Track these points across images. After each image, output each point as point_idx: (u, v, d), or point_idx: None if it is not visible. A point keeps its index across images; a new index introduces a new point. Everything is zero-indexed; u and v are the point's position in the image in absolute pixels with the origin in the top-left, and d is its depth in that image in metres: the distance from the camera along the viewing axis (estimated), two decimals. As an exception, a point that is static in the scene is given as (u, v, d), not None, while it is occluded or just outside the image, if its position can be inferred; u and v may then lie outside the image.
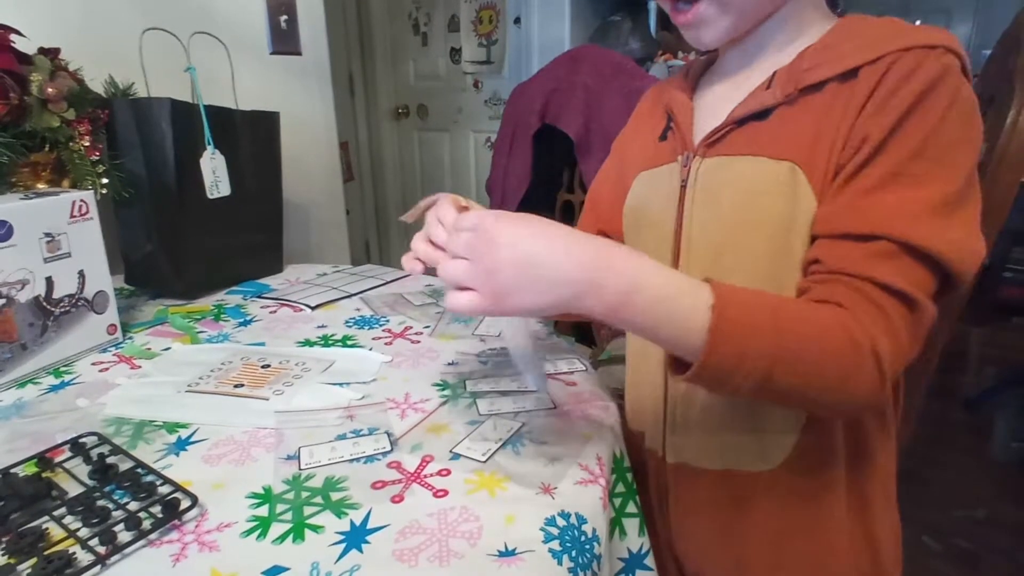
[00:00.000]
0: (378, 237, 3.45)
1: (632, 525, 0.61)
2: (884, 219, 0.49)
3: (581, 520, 0.53)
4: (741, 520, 0.64)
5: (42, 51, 0.96)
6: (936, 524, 1.64)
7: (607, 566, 0.54)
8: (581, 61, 1.67)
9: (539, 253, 0.46)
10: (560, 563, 0.48)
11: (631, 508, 0.61)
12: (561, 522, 0.52)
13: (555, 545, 0.50)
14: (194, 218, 1.05)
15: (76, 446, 0.61)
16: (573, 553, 0.50)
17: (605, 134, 1.61)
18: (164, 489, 0.55)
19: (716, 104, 0.62)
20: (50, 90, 0.92)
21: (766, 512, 0.63)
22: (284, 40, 1.52)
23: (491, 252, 0.46)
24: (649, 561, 0.59)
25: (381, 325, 0.94)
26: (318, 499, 0.54)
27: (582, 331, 1.80)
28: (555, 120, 1.68)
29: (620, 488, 0.62)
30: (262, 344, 0.87)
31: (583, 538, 0.51)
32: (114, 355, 0.84)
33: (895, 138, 0.50)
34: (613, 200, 0.75)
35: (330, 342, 0.88)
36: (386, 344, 0.87)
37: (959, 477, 1.87)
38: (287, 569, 0.47)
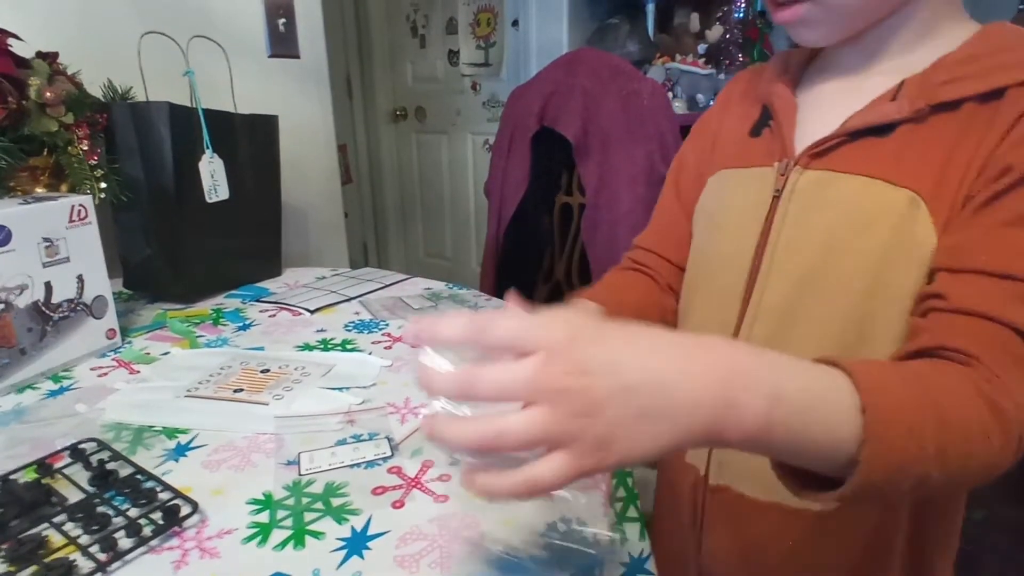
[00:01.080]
0: (376, 239, 3.44)
1: (633, 530, 0.61)
2: None
3: (582, 525, 0.53)
4: (781, 553, 0.59)
5: (40, 55, 0.96)
6: (934, 525, 1.64)
7: (609, 572, 0.54)
8: (579, 64, 1.67)
9: (652, 376, 0.32)
10: (562, 568, 0.48)
11: (632, 513, 0.61)
12: (562, 527, 0.52)
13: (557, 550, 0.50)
14: (193, 222, 1.05)
15: (76, 452, 0.61)
16: (575, 558, 0.50)
17: (603, 136, 1.62)
18: (164, 495, 0.55)
19: (824, 104, 0.55)
20: (48, 94, 0.92)
21: (813, 550, 0.57)
22: (282, 43, 1.52)
23: (582, 385, 0.31)
24: (650, 565, 0.59)
25: (380, 329, 0.94)
26: (319, 505, 0.54)
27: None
28: (553, 123, 1.68)
29: (620, 493, 0.62)
30: (261, 348, 0.87)
31: (584, 543, 0.51)
32: (113, 360, 0.84)
33: None
34: (693, 191, 0.67)
35: (329, 346, 0.88)
36: (386, 348, 0.87)
37: (957, 478, 1.87)
38: (288, 576, 0.47)
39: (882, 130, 0.49)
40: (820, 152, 0.52)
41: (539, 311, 0.36)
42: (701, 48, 2.27)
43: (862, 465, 0.35)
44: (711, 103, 0.76)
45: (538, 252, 1.95)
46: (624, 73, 1.63)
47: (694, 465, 0.63)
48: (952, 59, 0.49)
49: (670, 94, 2.12)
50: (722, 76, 2.21)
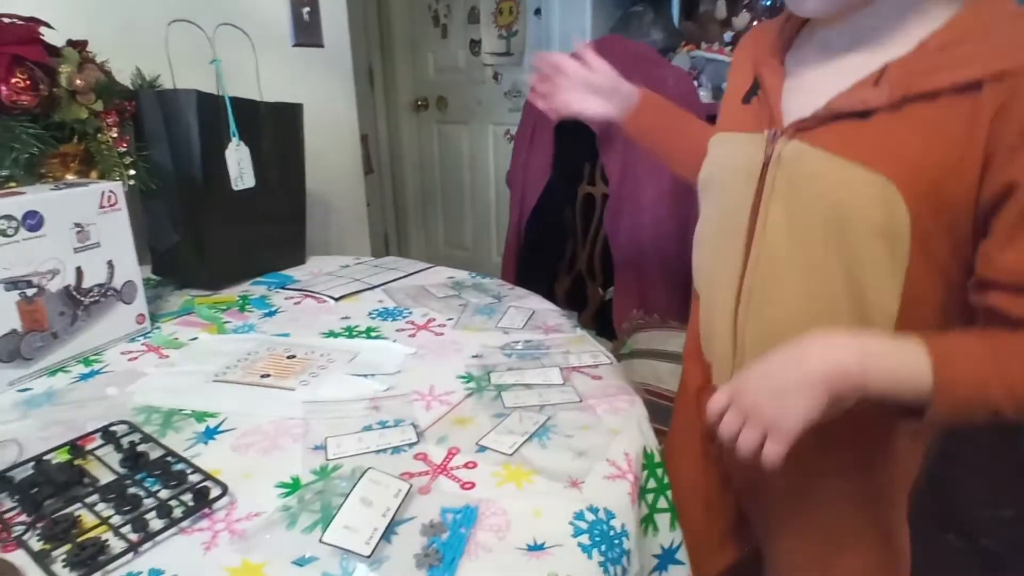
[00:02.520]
0: (397, 230, 3.45)
1: (664, 520, 0.60)
2: None
3: (610, 515, 0.52)
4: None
5: (70, 43, 0.97)
6: (961, 523, 1.61)
7: (637, 562, 0.53)
8: (603, 51, 1.65)
9: (774, 381, 0.53)
10: (590, 557, 0.48)
11: (662, 504, 0.61)
12: (590, 516, 0.51)
13: (584, 539, 0.49)
14: (219, 210, 1.06)
15: (107, 434, 0.62)
16: (603, 548, 0.49)
17: (628, 126, 1.60)
18: (194, 477, 0.55)
19: (808, 79, 0.59)
20: (78, 82, 0.93)
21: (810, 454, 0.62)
22: (307, 32, 1.52)
23: (752, 408, 0.53)
24: (680, 555, 0.59)
25: (404, 317, 0.94)
26: (346, 489, 0.54)
27: (603, 325, 1.80)
28: (577, 112, 1.67)
29: (652, 484, 0.61)
30: (287, 335, 0.88)
31: (612, 533, 0.51)
32: (143, 345, 0.85)
33: None
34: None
35: (354, 333, 0.88)
36: (410, 336, 0.87)
37: (985, 476, 1.84)
38: (316, 559, 0.47)
39: (863, 114, 0.53)
40: (805, 127, 0.57)
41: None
42: (727, 36, 2.23)
43: (932, 409, 0.50)
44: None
45: (560, 243, 1.94)
46: (649, 60, 1.60)
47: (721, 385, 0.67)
48: (932, 46, 0.51)
49: (695, 83, 2.09)
50: (748, 65, 2.16)
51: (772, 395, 0.53)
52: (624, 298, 1.66)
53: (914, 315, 0.56)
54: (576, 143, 1.74)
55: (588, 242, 1.85)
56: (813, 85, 0.58)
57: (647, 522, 0.58)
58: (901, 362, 0.51)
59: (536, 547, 0.48)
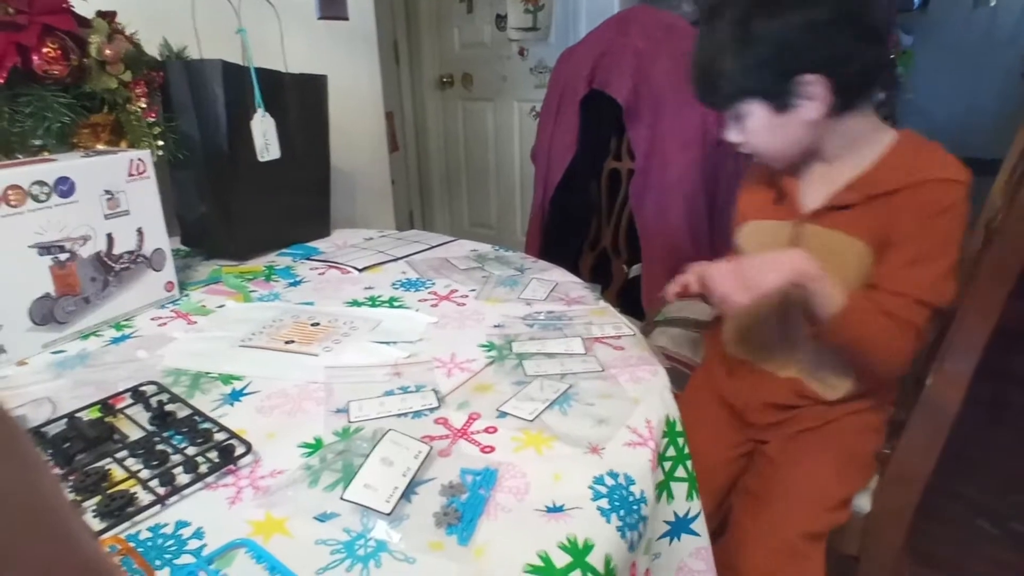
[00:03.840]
0: (422, 207, 3.46)
1: (680, 489, 0.60)
2: (916, 287, 0.77)
3: (629, 481, 0.52)
4: (777, 388, 0.92)
5: (100, 14, 0.97)
6: (992, 507, 1.58)
7: (651, 527, 0.53)
8: (631, 23, 1.62)
9: (763, 262, 0.77)
10: (608, 521, 0.48)
11: (680, 473, 0.60)
12: (610, 481, 0.51)
13: (603, 503, 0.49)
14: (245, 180, 1.07)
15: (137, 394, 0.63)
16: (621, 512, 0.49)
17: (655, 99, 1.57)
18: (220, 436, 0.56)
19: (812, 187, 0.88)
20: (108, 52, 0.94)
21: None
22: (332, 5, 1.52)
23: (743, 271, 0.76)
24: (697, 526, 0.58)
25: (427, 287, 0.94)
26: (367, 449, 0.55)
27: (627, 302, 1.78)
28: (603, 85, 1.64)
29: (671, 452, 0.61)
30: (311, 303, 0.89)
31: (631, 498, 0.51)
32: (171, 311, 0.87)
33: (919, 240, 0.77)
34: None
35: (377, 303, 0.88)
36: (432, 306, 0.87)
37: (1016, 459, 1.79)
38: (338, 515, 0.48)
39: (846, 207, 0.83)
40: (816, 215, 0.86)
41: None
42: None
43: (832, 320, 0.77)
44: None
45: (584, 219, 1.92)
46: (679, 30, 1.57)
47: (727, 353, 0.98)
48: (881, 167, 0.81)
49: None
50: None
51: (755, 268, 0.75)
52: (652, 273, 1.64)
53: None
54: (602, 118, 1.71)
55: (613, 218, 1.83)
56: (813, 189, 0.87)
57: (662, 488, 0.58)
58: (834, 288, 0.76)
59: (555, 509, 0.48)
